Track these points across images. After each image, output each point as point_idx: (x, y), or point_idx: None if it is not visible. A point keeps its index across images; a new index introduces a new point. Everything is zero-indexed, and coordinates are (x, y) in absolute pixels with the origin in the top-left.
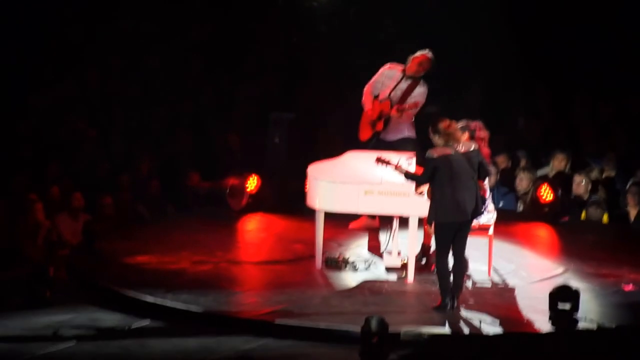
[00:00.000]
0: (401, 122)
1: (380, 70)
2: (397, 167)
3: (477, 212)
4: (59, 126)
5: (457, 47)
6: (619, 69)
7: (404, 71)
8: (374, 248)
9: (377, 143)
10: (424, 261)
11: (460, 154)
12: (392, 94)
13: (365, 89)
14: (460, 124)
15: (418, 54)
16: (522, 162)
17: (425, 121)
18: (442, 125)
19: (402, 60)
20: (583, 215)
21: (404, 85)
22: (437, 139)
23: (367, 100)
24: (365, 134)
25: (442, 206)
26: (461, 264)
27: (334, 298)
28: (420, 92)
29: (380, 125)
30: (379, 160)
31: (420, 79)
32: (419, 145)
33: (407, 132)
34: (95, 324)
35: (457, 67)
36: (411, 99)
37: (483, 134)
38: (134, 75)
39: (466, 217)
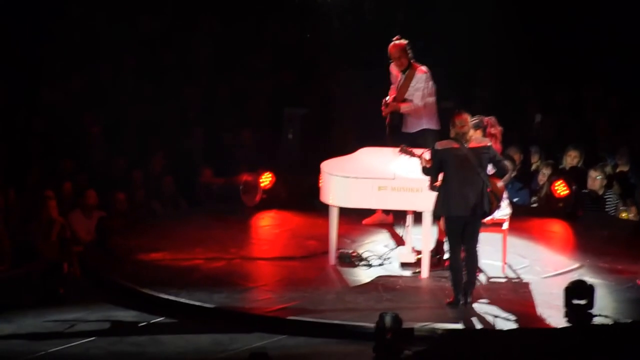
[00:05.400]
0: (421, 114)
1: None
2: (420, 157)
3: (483, 209)
4: (71, 122)
5: (469, 41)
6: (634, 62)
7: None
8: (388, 243)
9: (398, 135)
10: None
11: (468, 148)
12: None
13: None
14: (474, 120)
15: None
16: (535, 158)
17: (442, 116)
18: (457, 121)
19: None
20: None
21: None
22: (450, 130)
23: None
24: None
25: (446, 200)
26: (473, 260)
27: (348, 294)
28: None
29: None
30: (402, 150)
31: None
32: (440, 137)
33: (426, 124)
34: (109, 320)
35: (469, 62)
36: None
37: (495, 130)
38: (146, 71)
39: (468, 212)
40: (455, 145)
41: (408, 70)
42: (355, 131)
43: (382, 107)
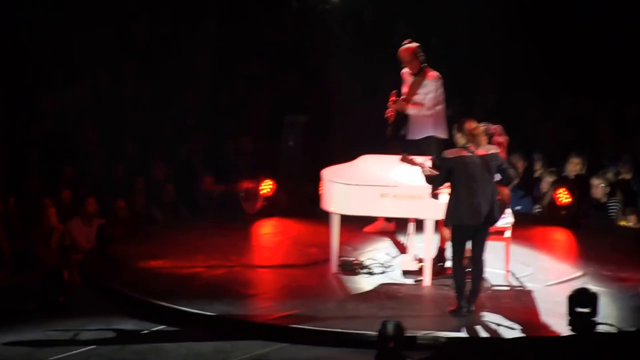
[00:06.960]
0: (428, 121)
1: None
2: (421, 166)
3: (493, 217)
4: (71, 129)
5: (471, 47)
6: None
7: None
8: (390, 251)
9: (402, 141)
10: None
11: (477, 156)
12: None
13: None
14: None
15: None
16: (538, 165)
17: (448, 123)
18: (468, 125)
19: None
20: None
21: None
22: (459, 138)
23: None
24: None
25: (457, 209)
26: (479, 268)
27: (350, 302)
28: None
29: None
30: (403, 158)
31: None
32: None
33: (433, 131)
34: (110, 328)
35: (471, 68)
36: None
37: (501, 139)
38: (146, 78)
39: (480, 220)
40: (465, 153)
41: (419, 74)
42: (356, 138)
43: (390, 103)
